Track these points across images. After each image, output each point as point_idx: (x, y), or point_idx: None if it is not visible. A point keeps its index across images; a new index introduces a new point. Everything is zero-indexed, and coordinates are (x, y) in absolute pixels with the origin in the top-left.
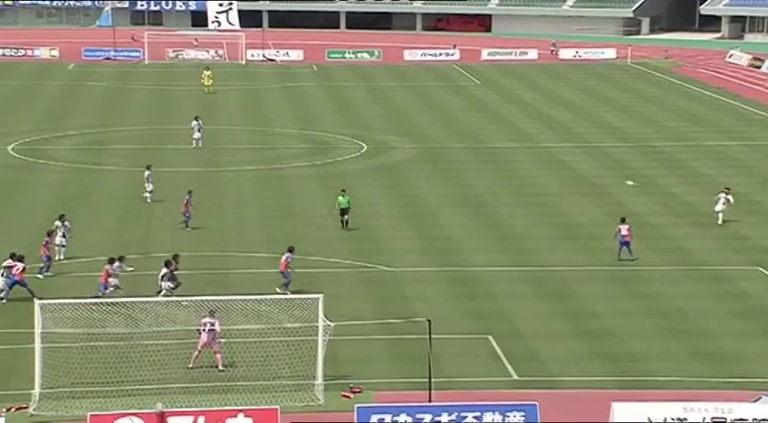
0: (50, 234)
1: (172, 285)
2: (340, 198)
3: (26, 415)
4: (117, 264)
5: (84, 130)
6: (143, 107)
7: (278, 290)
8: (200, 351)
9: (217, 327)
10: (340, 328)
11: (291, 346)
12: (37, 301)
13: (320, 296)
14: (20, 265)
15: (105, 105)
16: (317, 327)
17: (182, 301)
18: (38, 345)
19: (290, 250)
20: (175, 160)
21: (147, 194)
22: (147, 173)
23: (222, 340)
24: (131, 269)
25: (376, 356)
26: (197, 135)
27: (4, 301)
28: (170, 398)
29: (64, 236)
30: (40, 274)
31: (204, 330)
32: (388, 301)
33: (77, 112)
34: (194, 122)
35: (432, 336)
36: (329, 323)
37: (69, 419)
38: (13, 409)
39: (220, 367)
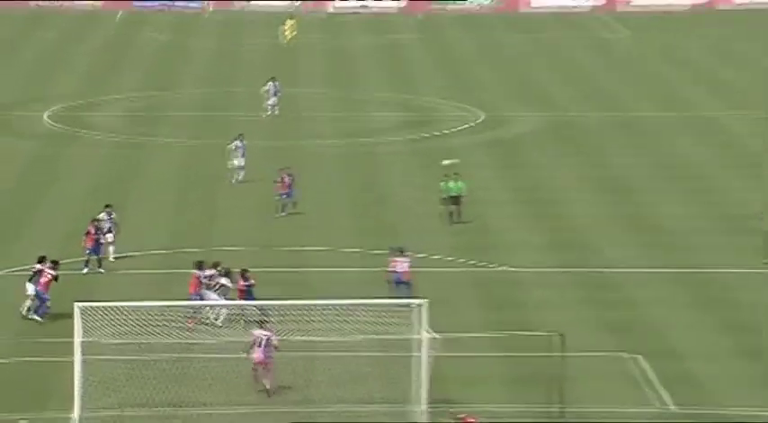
0: (96, 223)
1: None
2: (450, 183)
3: None
4: (210, 271)
5: (134, 93)
6: (205, 66)
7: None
8: (256, 370)
9: (274, 340)
10: (445, 342)
11: (386, 363)
12: (77, 305)
13: (423, 302)
14: (49, 274)
15: (159, 64)
16: (420, 340)
17: (252, 305)
18: (77, 358)
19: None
20: (245, 131)
21: (237, 173)
22: (235, 144)
23: (272, 354)
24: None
25: (490, 378)
26: (272, 100)
27: (39, 319)
28: None
29: (110, 231)
30: (85, 268)
31: (259, 346)
32: (504, 308)
33: (125, 73)
34: (269, 85)
35: (564, 353)
36: (435, 335)
37: None
38: None
39: (268, 387)
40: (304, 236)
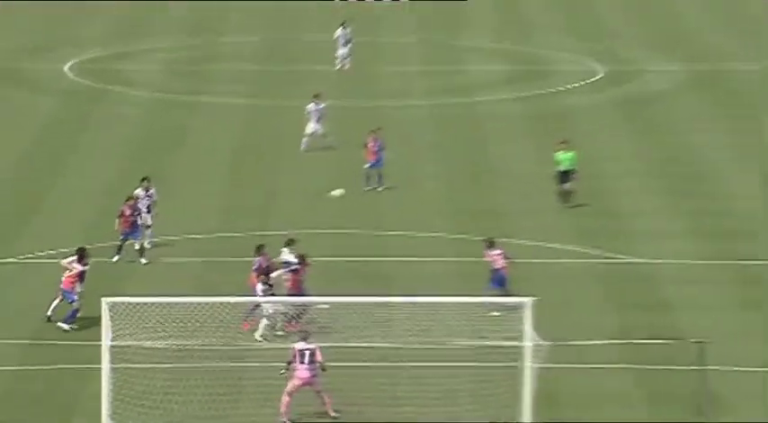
0: (132, 202)
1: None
2: (560, 154)
3: None
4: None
5: (177, 42)
6: (261, 7)
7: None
8: (291, 394)
9: (318, 356)
10: (558, 350)
11: (482, 376)
12: (105, 300)
13: (528, 301)
14: (75, 268)
15: (208, 4)
16: (523, 347)
17: (320, 303)
18: (105, 365)
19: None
20: (310, 87)
21: (312, 140)
22: (314, 106)
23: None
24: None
25: (621, 395)
26: (342, 51)
27: (66, 327)
28: None
29: (149, 210)
30: (116, 255)
31: (302, 362)
32: (638, 309)
33: (166, 16)
34: (338, 31)
35: (708, 366)
36: (542, 342)
37: None
38: None
39: (332, 413)
40: (386, 218)
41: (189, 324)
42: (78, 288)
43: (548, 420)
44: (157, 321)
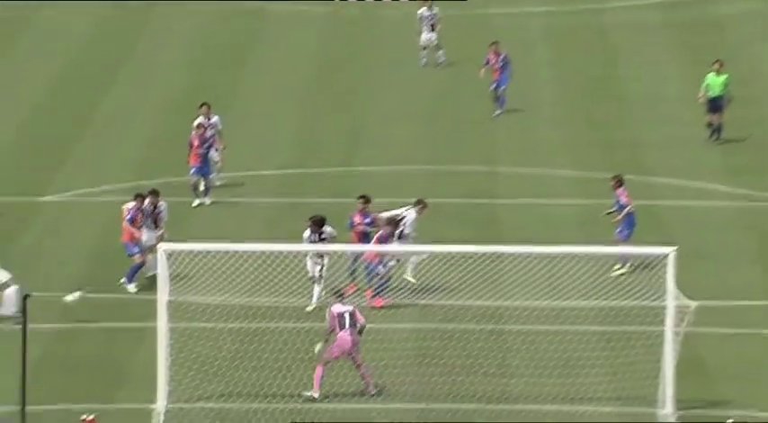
0: (200, 131)
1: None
2: (711, 77)
3: None
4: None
5: None
6: None
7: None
8: (327, 364)
9: (359, 319)
10: (707, 312)
11: (613, 342)
12: (162, 247)
13: (669, 251)
14: (132, 210)
15: None
16: (665, 308)
17: (418, 252)
18: (162, 325)
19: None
20: None
21: (426, 53)
22: (426, 11)
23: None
24: None
25: None
26: None
27: (131, 287)
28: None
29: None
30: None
31: (342, 327)
32: None
33: None
34: None
35: None
36: (689, 302)
37: None
38: None
39: (371, 390)
40: (499, 150)
41: (260, 277)
42: (146, 236)
43: (694, 396)
44: (224, 273)
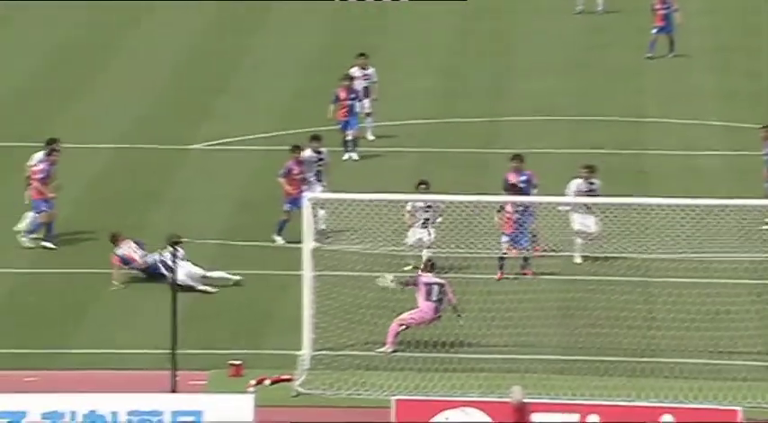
0: (348, 84)
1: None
2: None
3: (289, 392)
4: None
5: None
6: None
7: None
8: (403, 325)
9: (449, 295)
10: None
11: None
12: (307, 197)
13: None
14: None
15: None
16: None
17: (560, 204)
18: (307, 273)
19: None
20: None
21: None
22: None
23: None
24: None
25: None
26: None
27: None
28: (536, 378)
29: (367, 94)
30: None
31: (428, 299)
32: None
33: None
34: None
35: None
36: None
37: (359, 405)
38: (268, 381)
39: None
40: (648, 100)
41: (404, 226)
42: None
43: None
44: (373, 222)
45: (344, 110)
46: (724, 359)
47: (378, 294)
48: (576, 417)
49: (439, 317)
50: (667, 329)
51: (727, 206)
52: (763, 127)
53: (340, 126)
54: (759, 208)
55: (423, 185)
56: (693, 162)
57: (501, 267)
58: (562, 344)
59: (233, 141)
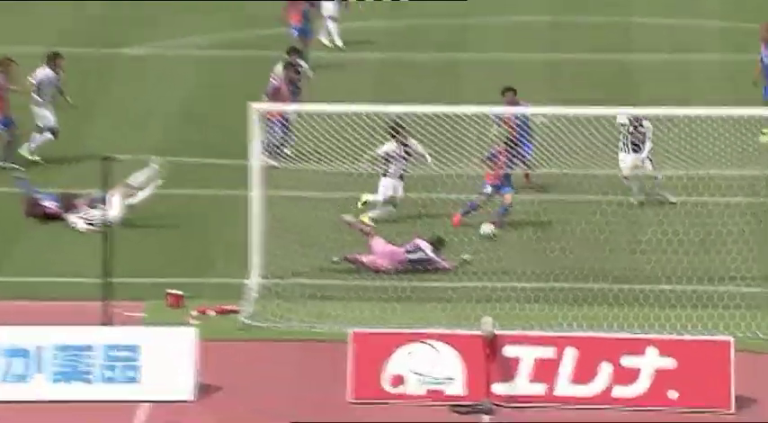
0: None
1: None
2: None
3: (235, 324)
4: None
5: None
6: None
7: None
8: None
9: (434, 261)
10: None
11: (763, 216)
12: (254, 106)
13: None
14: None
15: None
16: None
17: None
18: (256, 189)
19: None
20: None
21: None
22: None
23: None
24: None
25: None
26: None
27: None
28: (508, 308)
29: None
30: None
31: (410, 252)
32: None
33: None
34: None
35: None
36: None
37: (312, 338)
38: (211, 312)
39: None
40: None
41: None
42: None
43: None
44: (327, 138)
45: (298, 14)
46: (715, 285)
47: (334, 217)
48: (551, 350)
49: (400, 268)
50: (652, 253)
51: (719, 116)
52: (763, 25)
53: (296, 32)
54: (755, 118)
55: (510, 92)
56: (683, 66)
57: (465, 213)
58: (537, 270)
59: (171, 45)
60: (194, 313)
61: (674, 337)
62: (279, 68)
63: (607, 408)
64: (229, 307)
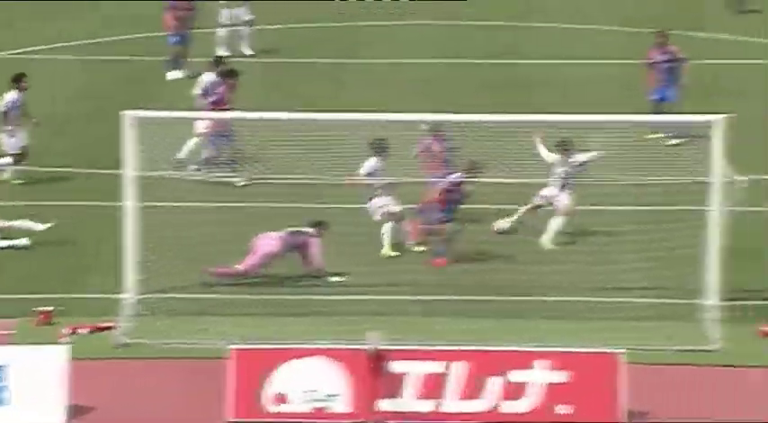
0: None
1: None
2: None
3: (110, 340)
4: None
5: None
6: None
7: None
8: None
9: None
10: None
11: (655, 225)
12: (128, 114)
13: (717, 119)
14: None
15: None
16: (709, 183)
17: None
18: (131, 200)
19: None
20: None
21: None
22: None
23: None
24: None
25: None
26: None
27: None
28: (396, 322)
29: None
30: None
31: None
32: None
33: None
34: None
35: None
36: (737, 177)
37: (192, 356)
38: (84, 330)
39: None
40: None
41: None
42: None
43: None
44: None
45: (177, 21)
46: (605, 296)
47: (216, 229)
48: (440, 365)
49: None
50: (542, 264)
51: (609, 122)
52: (658, 32)
53: (175, 39)
54: (643, 124)
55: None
56: (579, 71)
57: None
58: (426, 282)
59: (43, 49)
60: (66, 331)
61: (564, 349)
62: (210, 78)
63: None
64: (104, 324)
